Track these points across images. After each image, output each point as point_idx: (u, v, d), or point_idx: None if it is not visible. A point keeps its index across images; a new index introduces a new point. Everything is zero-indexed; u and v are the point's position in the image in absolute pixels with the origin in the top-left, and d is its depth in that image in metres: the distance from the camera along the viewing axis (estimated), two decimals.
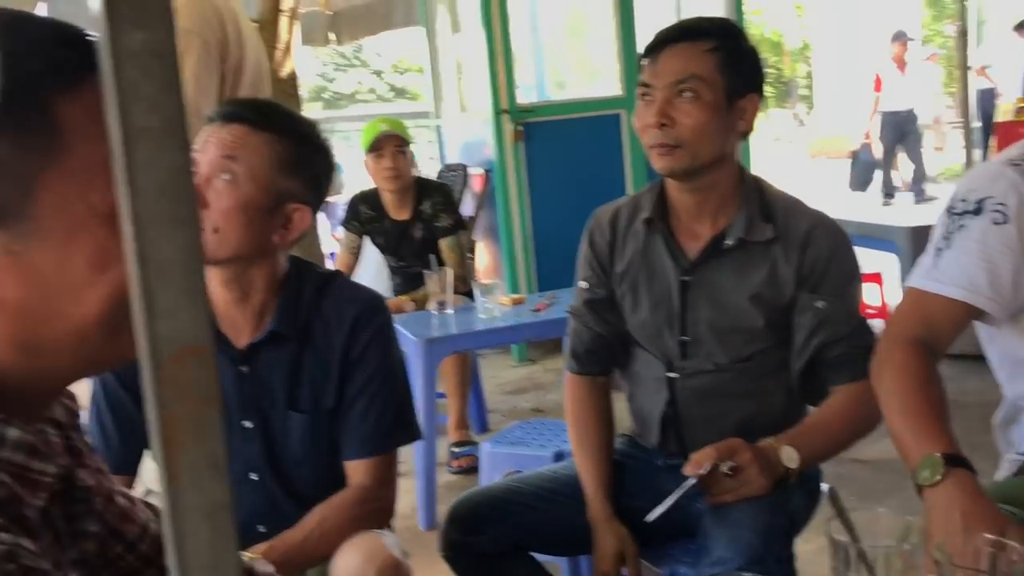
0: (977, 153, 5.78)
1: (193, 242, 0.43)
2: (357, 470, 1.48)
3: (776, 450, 1.47)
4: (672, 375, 1.64)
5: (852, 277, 1.59)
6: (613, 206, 1.72)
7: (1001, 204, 1.27)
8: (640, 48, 1.63)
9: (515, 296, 3.35)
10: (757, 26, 29.85)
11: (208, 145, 1.35)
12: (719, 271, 1.59)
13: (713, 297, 1.59)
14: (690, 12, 5.62)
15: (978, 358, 4.77)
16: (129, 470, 1.47)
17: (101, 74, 0.64)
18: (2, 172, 0.65)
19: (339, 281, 1.58)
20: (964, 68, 4.73)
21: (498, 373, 4.61)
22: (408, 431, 1.55)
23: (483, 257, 5.10)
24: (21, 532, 0.66)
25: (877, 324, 4.95)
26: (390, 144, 3.55)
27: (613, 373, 1.77)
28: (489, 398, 4.04)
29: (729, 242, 1.57)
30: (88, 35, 0.70)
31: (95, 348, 0.71)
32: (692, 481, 1.43)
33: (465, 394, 3.49)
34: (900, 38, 12.28)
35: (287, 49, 4.45)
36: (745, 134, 1.58)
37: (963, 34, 4.69)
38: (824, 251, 1.55)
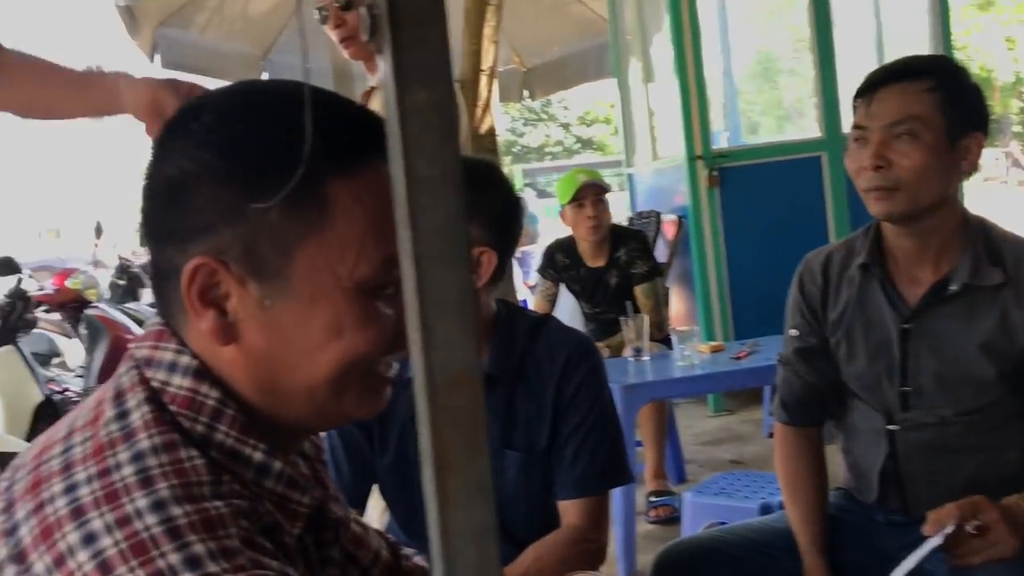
0: None
1: (466, 279, 0.46)
2: (570, 510, 1.51)
3: (1022, 508, 1.36)
4: (892, 427, 1.56)
5: None
6: (825, 251, 1.67)
7: None
8: (842, 88, 1.59)
9: (714, 344, 3.30)
10: (964, 62, 28.27)
11: None
12: (943, 319, 1.51)
13: (937, 346, 1.51)
14: (893, 48, 5.41)
15: None
16: (358, 504, 1.56)
17: (375, 159, 0.71)
18: (271, 235, 0.72)
19: (550, 323, 1.63)
20: None
21: (693, 423, 4.53)
22: (621, 473, 1.56)
23: (676, 305, 5.06)
24: (285, 559, 0.72)
25: None
26: (590, 193, 3.61)
27: (825, 424, 1.71)
28: (685, 448, 3.97)
29: (954, 287, 1.48)
30: (370, 116, 0.76)
31: (322, 404, 0.76)
32: (938, 542, 1.33)
33: (662, 443, 3.45)
34: None
35: (486, 107, 4.64)
36: (968, 174, 1.51)
37: None
38: None
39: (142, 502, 0.66)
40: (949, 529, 1.32)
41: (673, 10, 4.50)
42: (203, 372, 0.74)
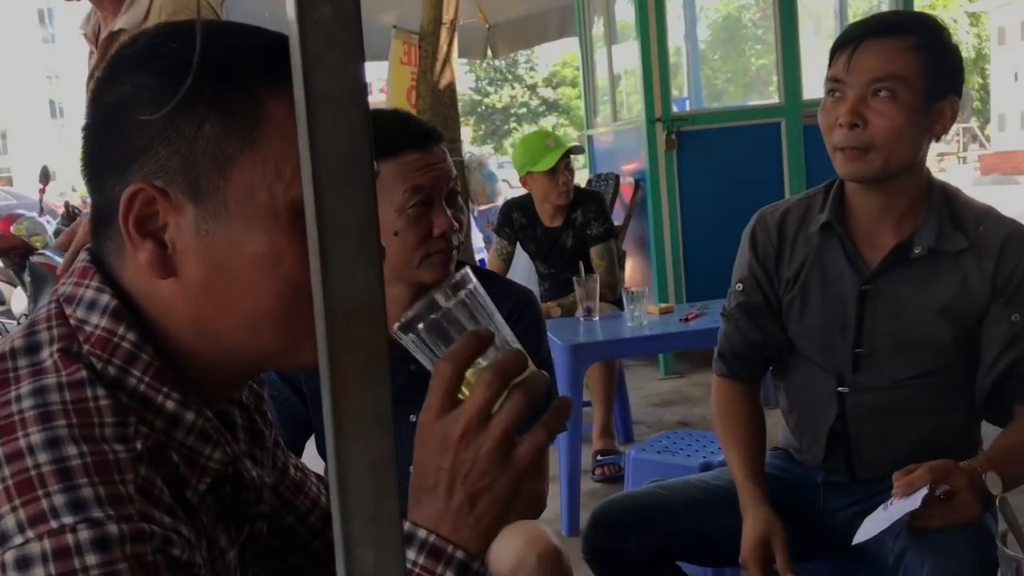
0: None
1: (369, 205, 0.45)
2: None
3: (982, 474, 1.37)
4: (843, 389, 1.55)
5: None
6: (781, 206, 1.63)
7: None
8: (803, 56, 1.55)
9: (664, 305, 3.31)
10: None
11: None
12: (903, 281, 1.50)
13: (895, 309, 1.50)
14: (855, 19, 5.42)
15: None
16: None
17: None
18: (207, 150, 0.71)
19: (493, 278, 1.63)
20: None
21: (644, 385, 4.57)
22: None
23: (632, 267, 5.08)
24: (180, 515, 0.69)
25: None
26: (563, 160, 3.60)
27: (761, 383, 1.72)
28: (634, 409, 4.00)
29: (918, 251, 1.47)
30: None
31: (268, 342, 0.74)
32: (915, 505, 1.28)
33: (611, 403, 3.48)
34: None
35: (446, 60, 4.57)
36: (938, 138, 1.49)
37: None
38: (1022, 260, 1.45)
39: (36, 437, 0.64)
40: (924, 492, 1.28)
41: None
42: (122, 313, 0.72)
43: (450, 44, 4.56)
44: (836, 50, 1.47)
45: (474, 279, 0.74)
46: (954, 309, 1.47)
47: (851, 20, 6.02)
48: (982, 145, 25.62)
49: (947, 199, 1.51)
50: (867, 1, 5.87)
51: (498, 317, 0.74)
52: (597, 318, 3.11)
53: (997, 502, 0.95)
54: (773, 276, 1.61)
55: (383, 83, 6.15)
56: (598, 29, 5.63)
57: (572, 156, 3.66)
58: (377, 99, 10.02)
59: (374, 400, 0.46)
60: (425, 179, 1.44)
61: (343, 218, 0.45)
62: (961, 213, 1.49)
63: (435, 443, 0.69)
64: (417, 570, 0.68)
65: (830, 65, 1.48)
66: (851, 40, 1.44)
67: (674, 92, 6.75)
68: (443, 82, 4.56)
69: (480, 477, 0.69)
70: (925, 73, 1.41)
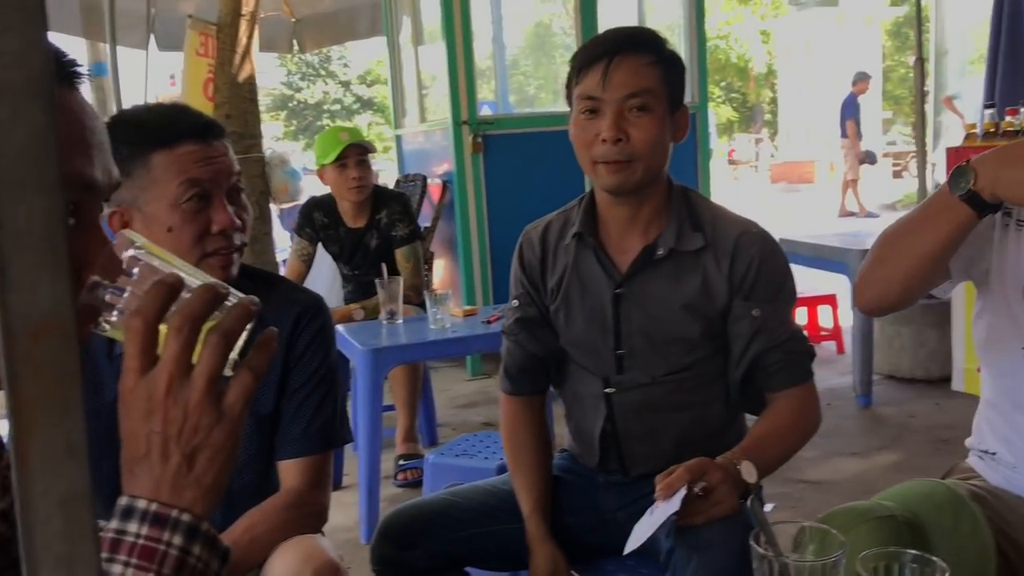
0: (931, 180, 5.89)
1: (56, 209, 0.40)
2: (290, 472, 1.45)
3: (736, 465, 1.44)
4: (609, 391, 1.61)
5: (784, 283, 1.57)
6: (543, 222, 1.69)
7: None
8: None
9: (468, 308, 3.31)
10: (723, 51, 30.26)
11: None
12: (652, 282, 1.57)
13: (647, 308, 1.57)
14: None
15: (930, 382, 4.80)
16: None
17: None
18: None
19: (281, 283, 1.56)
20: (921, 98, 4.81)
21: (451, 386, 4.57)
22: (342, 434, 1.52)
23: (440, 268, 5.08)
24: None
25: (831, 345, 5.01)
26: (354, 154, 3.51)
27: (548, 392, 1.75)
28: (440, 411, 4.00)
29: (661, 252, 1.55)
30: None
31: None
32: (675, 507, 1.30)
33: (414, 406, 3.45)
34: (862, 78, 12.63)
35: (246, 53, 4.40)
36: (675, 144, 1.58)
37: (921, 65, 4.77)
38: (754, 258, 1.54)
39: None
40: (683, 493, 1.32)
41: None
42: None
43: (250, 37, 4.39)
44: (584, 67, 1.50)
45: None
46: (698, 305, 1.55)
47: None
48: (772, 155, 27.44)
49: (686, 201, 1.59)
50: (666, 12, 6.12)
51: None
52: (400, 321, 3.07)
53: (749, 501, 1.00)
54: (541, 288, 1.66)
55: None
56: (406, 30, 5.59)
57: (369, 154, 3.58)
58: (169, 91, 9.55)
59: (65, 430, 0.41)
60: (203, 172, 1.36)
61: (24, 224, 0.39)
62: (699, 214, 1.58)
63: (140, 406, 0.65)
64: (141, 542, 0.63)
65: (576, 81, 1.51)
66: (601, 57, 1.48)
67: (487, 95, 6.82)
68: (242, 75, 4.38)
69: (193, 433, 0.65)
70: (667, 85, 1.49)
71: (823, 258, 4.10)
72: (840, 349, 4.96)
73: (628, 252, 1.59)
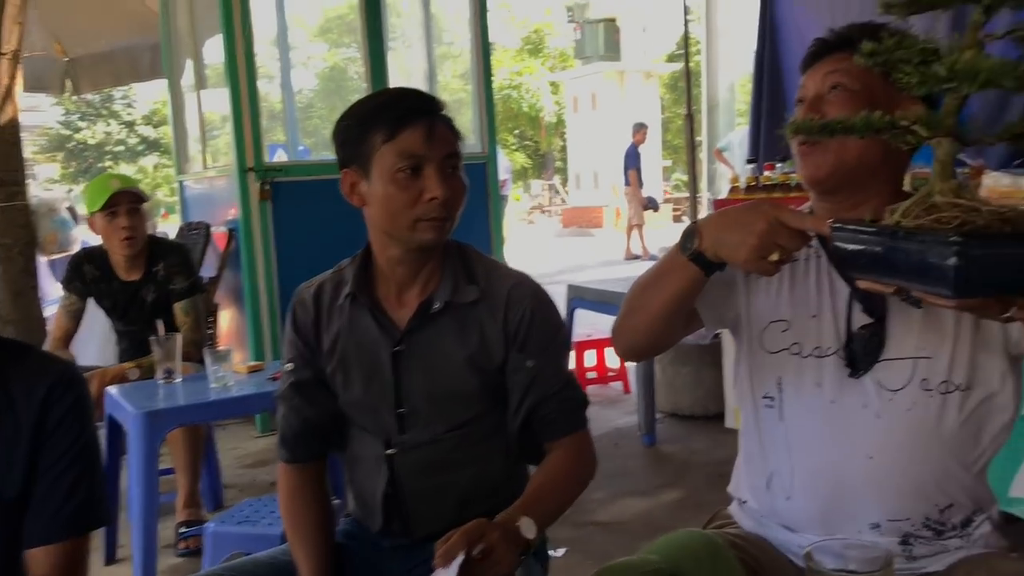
0: None
1: None
2: (39, 560, 1.31)
3: (515, 522, 1.43)
4: (391, 451, 1.58)
5: (556, 333, 1.61)
6: (316, 281, 1.66)
7: None
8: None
9: (253, 364, 3.17)
10: (516, 100, 31.26)
11: None
12: (430, 337, 1.57)
13: (427, 364, 1.56)
14: (444, 77, 5.75)
15: (708, 418, 5.05)
16: None
17: None
18: None
19: (29, 354, 1.42)
20: (692, 150, 5.13)
21: (239, 444, 4.37)
22: (101, 515, 1.40)
23: (226, 321, 4.87)
24: None
25: (618, 386, 5.19)
26: (125, 202, 3.29)
27: (327, 459, 1.70)
28: (227, 471, 3.81)
29: (437, 306, 1.55)
30: None
31: None
32: (453, 574, 1.28)
33: (196, 469, 3.26)
34: (640, 129, 13.41)
35: (8, 94, 4.09)
36: None
37: (691, 119, 5.10)
38: (527, 310, 1.56)
39: None
40: (461, 559, 1.30)
41: (225, 15, 4.33)
42: None
43: (12, 76, 4.09)
44: (401, 125, 1.47)
45: None
46: (477, 358, 1.56)
47: (440, 83, 6.36)
48: (563, 200, 28.47)
49: (461, 255, 1.61)
50: (455, 63, 6.24)
51: None
52: (179, 380, 2.90)
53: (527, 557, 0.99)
54: (316, 350, 1.62)
55: None
56: (188, 72, 5.39)
57: (143, 203, 3.39)
58: None
59: None
60: None
61: None
62: (473, 268, 1.60)
63: None
64: None
65: (386, 139, 1.48)
66: (422, 115, 1.49)
67: (282, 138, 6.66)
68: (3, 117, 4.06)
69: None
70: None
71: (607, 303, 4.25)
72: (627, 389, 5.16)
73: (406, 308, 1.58)
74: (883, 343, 1.32)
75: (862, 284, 1.07)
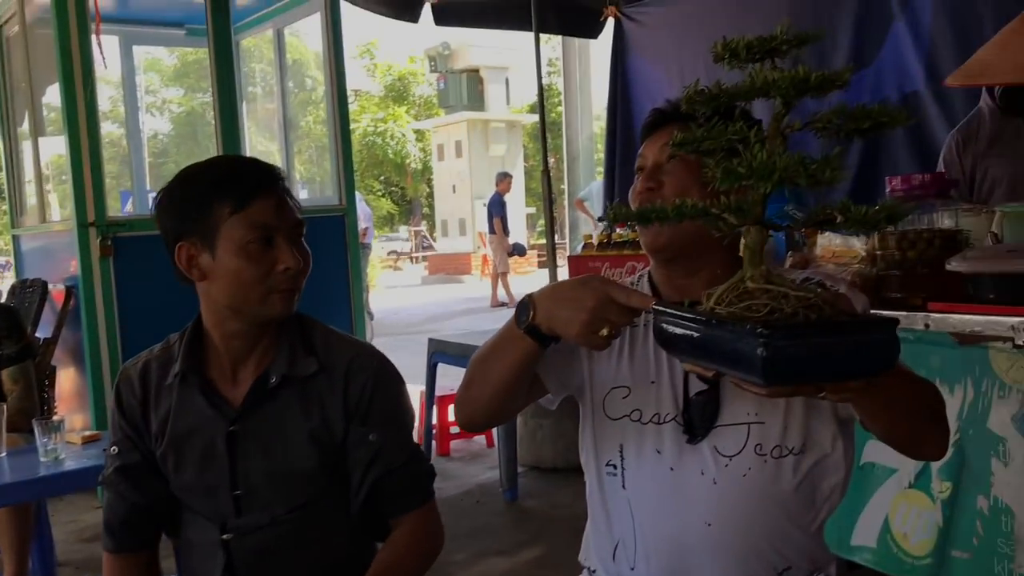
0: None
1: None
2: None
3: None
4: (227, 536, 1.50)
5: (399, 405, 1.57)
6: (142, 359, 1.58)
7: None
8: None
9: (88, 434, 2.97)
10: (380, 146, 31.20)
11: None
12: (268, 414, 1.50)
13: (265, 443, 1.50)
14: (300, 126, 5.65)
15: (570, 471, 5.06)
16: None
17: None
18: None
19: None
20: (549, 202, 5.20)
21: (77, 516, 4.09)
22: None
23: (65, 383, 4.58)
24: None
25: (481, 440, 5.15)
26: None
27: (157, 548, 1.60)
28: (62, 548, 3.55)
29: (273, 380, 1.49)
30: None
31: None
32: None
33: (25, 551, 3.02)
34: (504, 178, 13.65)
35: None
36: None
37: (546, 173, 5.18)
38: (368, 381, 1.52)
39: None
40: None
41: (63, 62, 4.12)
42: None
43: None
44: (252, 196, 1.44)
45: None
46: (318, 433, 1.51)
47: (303, 128, 6.25)
48: (430, 247, 28.47)
49: (299, 325, 1.57)
50: (317, 109, 6.16)
51: None
52: (3, 454, 2.69)
53: None
54: (144, 433, 1.54)
55: None
56: (25, 119, 5.11)
57: None
58: None
59: None
60: None
61: None
62: (312, 338, 1.56)
63: None
64: None
65: (236, 210, 1.43)
66: (270, 185, 1.47)
67: (130, 186, 6.37)
68: None
69: None
70: None
71: (469, 357, 4.24)
72: (490, 443, 5.13)
73: (241, 385, 1.51)
74: (719, 409, 1.34)
75: (685, 366, 1.08)
